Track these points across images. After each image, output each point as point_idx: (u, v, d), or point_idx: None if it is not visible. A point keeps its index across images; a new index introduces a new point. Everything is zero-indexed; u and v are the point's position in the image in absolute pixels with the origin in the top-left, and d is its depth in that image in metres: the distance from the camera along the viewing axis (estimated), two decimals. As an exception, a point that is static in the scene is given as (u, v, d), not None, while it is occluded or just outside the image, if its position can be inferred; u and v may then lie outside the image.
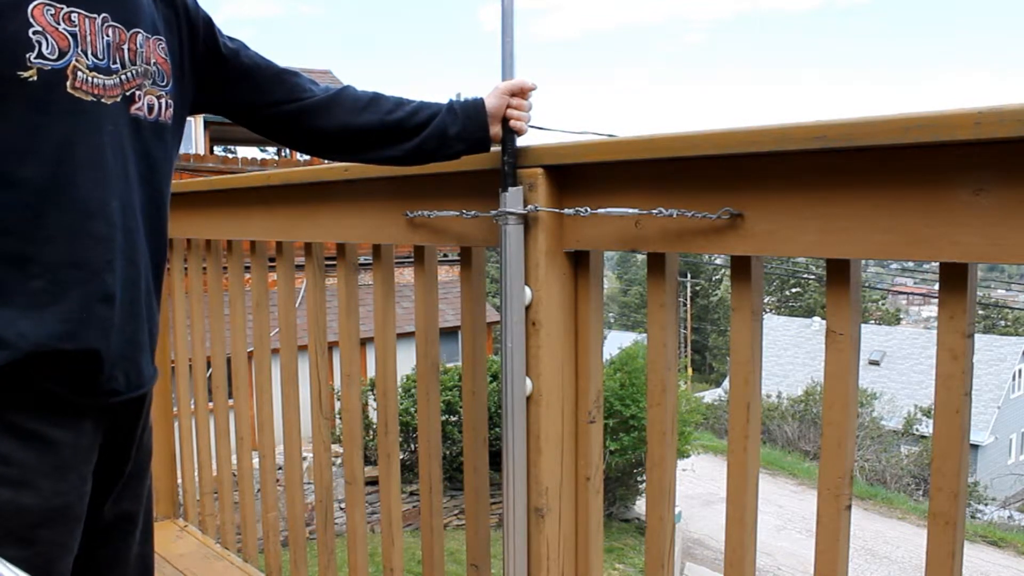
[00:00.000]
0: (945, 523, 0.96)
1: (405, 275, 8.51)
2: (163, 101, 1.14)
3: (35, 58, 0.96)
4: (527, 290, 1.28)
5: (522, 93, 1.28)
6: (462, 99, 1.29)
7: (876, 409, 20.90)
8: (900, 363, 26.27)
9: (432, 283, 1.61)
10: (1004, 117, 0.81)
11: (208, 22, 1.23)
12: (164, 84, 1.14)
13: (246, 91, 1.28)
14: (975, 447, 22.07)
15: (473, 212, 1.38)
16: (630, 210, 1.18)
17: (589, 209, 1.22)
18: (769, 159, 1.04)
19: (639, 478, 11.73)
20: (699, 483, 15.20)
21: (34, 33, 0.96)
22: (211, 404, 2.43)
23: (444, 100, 1.32)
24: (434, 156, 1.30)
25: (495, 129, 1.28)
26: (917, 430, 20.85)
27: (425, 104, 1.30)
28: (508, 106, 1.27)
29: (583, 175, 1.27)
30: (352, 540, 1.88)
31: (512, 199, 1.26)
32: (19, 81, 0.95)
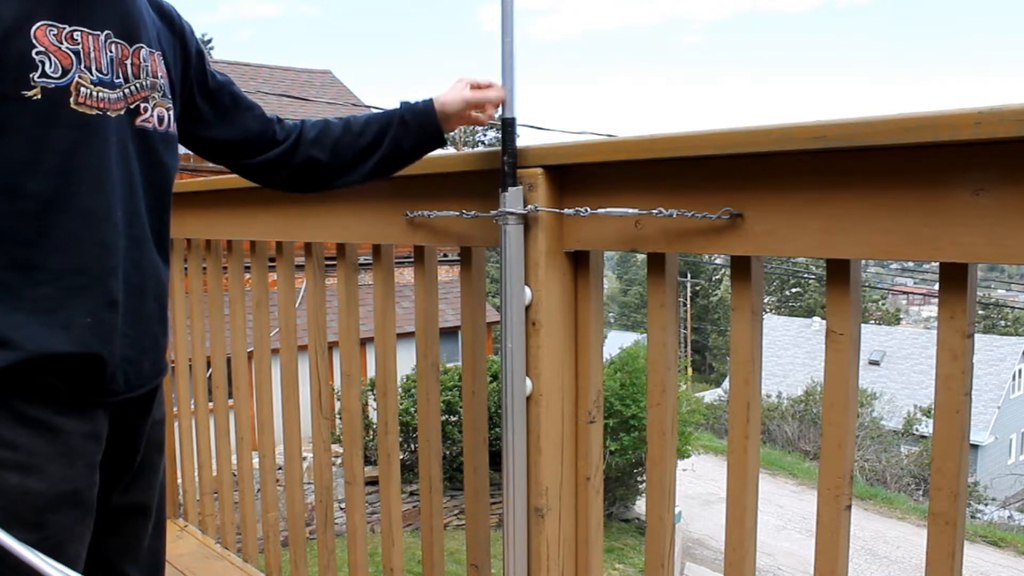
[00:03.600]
0: (945, 523, 0.96)
1: (405, 275, 8.50)
2: (171, 113, 1.18)
3: (39, 77, 0.99)
4: (527, 290, 1.28)
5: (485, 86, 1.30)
6: (412, 103, 1.32)
7: (876, 409, 20.88)
8: (900, 363, 26.25)
9: (432, 283, 1.61)
10: (1004, 117, 0.81)
11: (200, 54, 1.27)
12: (171, 96, 1.18)
13: (223, 128, 1.30)
14: (975, 447, 22.06)
15: (473, 212, 1.38)
16: (630, 210, 1.18)
17: (589, 209, 1.22)
18: (769, 159, 1.04)
19: (639, 478, 11.73)
20: (699, 483, 15.20)
21: (37, 54, 0.99)
22: (211, 404, 2.43)
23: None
24: (395, 170, 1.37)
25: (449, 125, 1.31)
26: (917, 430, 20.82)
27: (374, 118, 1.33)
28: (470, 102, 1.29)
29: (583, 175, 1.27)
30: (352, 540, 1.88)
31: (512, 199, 1.26)
32: (24, 100, 0.99)
